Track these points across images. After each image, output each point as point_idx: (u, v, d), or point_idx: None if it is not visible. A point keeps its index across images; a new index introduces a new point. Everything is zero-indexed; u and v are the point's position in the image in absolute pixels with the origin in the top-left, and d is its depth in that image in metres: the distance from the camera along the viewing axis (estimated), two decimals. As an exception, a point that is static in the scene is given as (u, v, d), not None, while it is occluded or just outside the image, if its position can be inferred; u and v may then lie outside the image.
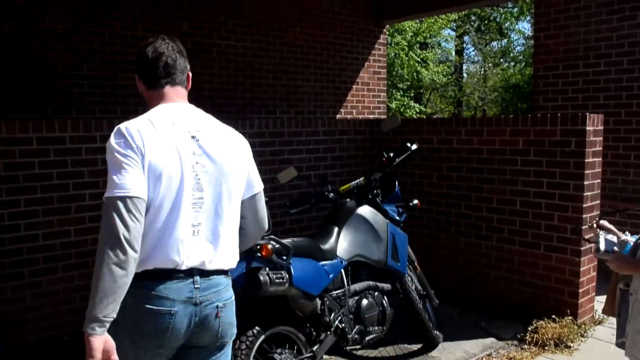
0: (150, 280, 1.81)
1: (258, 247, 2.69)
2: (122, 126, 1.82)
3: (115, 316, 1.71)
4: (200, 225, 1.86)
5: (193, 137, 1.88)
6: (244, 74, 6.49)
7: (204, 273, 1.89)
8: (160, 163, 1.78)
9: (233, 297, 2.02)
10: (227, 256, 1.95)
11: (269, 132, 4.95)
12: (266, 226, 2.17)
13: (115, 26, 5.50)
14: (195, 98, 5.90)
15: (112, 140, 1.80)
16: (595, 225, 2.51)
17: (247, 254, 2.71)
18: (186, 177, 1.82)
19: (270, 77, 6.72)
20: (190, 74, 2.08)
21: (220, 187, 1.91)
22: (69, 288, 4.07)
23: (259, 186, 2.10)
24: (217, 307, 1.91)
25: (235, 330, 2.04)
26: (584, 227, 3.06)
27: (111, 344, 1.73)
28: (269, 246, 2.68)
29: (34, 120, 3.91)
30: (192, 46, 6.01)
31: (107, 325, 1.70)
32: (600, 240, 2.36)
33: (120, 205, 1.71)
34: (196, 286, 1.86)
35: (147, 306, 1.80)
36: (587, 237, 2.63)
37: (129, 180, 1.73)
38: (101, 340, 1.69)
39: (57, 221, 3.98)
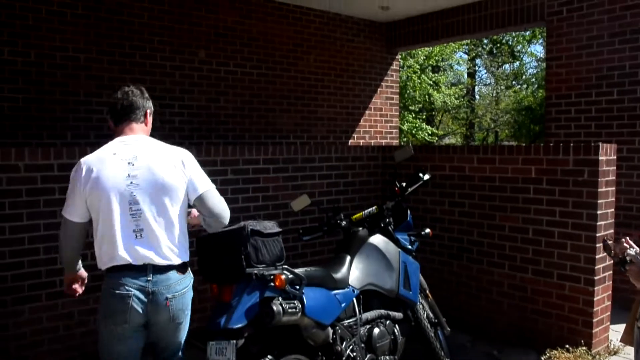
0: (116, 272, 2.45)
1: (272, 277, 2.73)
2: (80, 160, 2.51)
3: (75, 269, 2.71)
4: (143, 230, 2.44)
5: (129, 162, 2.46)
6: (258, 100, 6.61)
7: (157, 268, 2.46)
8: (97, 187, 2.42)
9: (186, 288, 2.57)
10: (173, 253, 2.50)
11: (283, 158, 5.03)
12: (225, 220, 2.62)
13: (135, 55, 5.66)
14: (210, 124, 6.03)
15: (73, 169, 2.53)
16: (624, 241, 2.56)
17: (260, 284, 2.76)
18: (121, 195, 2.43)
19: (284, 103, 6.83)
20: (149, 111, 2.68)
21: (156, 198, 2.46)
22: (84, 310, 4.13)
23: (202, 187, 2.57)
24: (166, 298, 2.48)
25: (185, 312, 2.60)
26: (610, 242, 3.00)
27: (81, 276, 2.76)
28: (283, 276, 2.71)
29: (55, 147, 4.02)
30: (208, 73, 6.16)
31: (67, 271, 2.72)
32: (635, 248, 2.43)
33: (63, 223, 2.55)
34: (149, 279, 2.44)
35: (113, 290, 2.44)
36: (615, 249, 2.66)
37: (69, 207, 2.51)
38: (70, 276, 2.74)
39: (75, 245, 4.06)
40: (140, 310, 2.44)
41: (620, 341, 2.80)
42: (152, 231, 2.45)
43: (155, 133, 5.93)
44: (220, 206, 2.60)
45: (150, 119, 2.69)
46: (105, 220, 2.43)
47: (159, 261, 2.45)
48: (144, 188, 2.44)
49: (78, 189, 2.46)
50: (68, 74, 5.32)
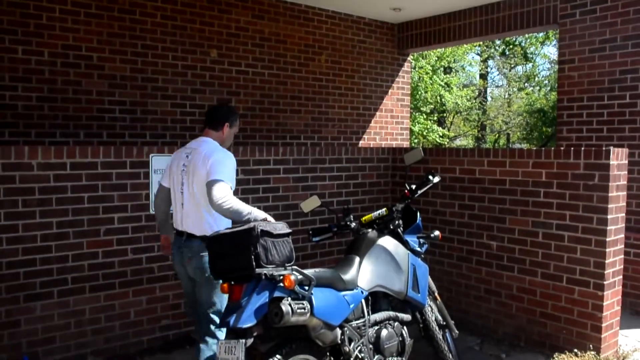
0: (175, 235, 3.50)
1: (281, 277, 2.75)
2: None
3: (165, 231, 3.68)
4: (183, 205, 3.35)
5: (187, 155, 3.37)
6: (269, 101, 6.64)
7: (188, 235, 3.33)
8: (171, 167, 3.46)
9: (203, 254, 3.16)
10: (196, 226, 3.29)
11: (293, 159, 5.05)
12: (212, 201, 3.09)
13: (148, 54, 5.70)
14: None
15: None
16: None
17: (270, 284, 2.78)
18: (179, 177, 3.37)
19: (295, 104, 6.85)
20: (227, 124, 3.45)
21: (192, 183, 3.27)
22: (95, 308, 4.18)
23: (212, 176, 3.15)
24: (188, 256, 3.32)
25: (205, 274, 3.22)
26: None
27: (168, 241, 3.68)
28: (292, 277, 2.72)
29: (68, 146, 4.07)
30: (219, 73, 6.19)
31: (160, 233, 3.75)
32: None
33: (157, 189, 3.62)
34: (183, 241, 3.35)
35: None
36: None
37: (163, 175, 3.60)
38: (162, 238, 3.74)
39: (87, 243, 4.11)
40: (178, 263, 3.41)
41: None
42: (186, 207, 3.33)
43: (167, 132, 6.01)
44: (215, 192, 3.08)
45: (228, 130, 3.45)
46: (172, 193, 3.46)
47: (189, 230, 3.32)
48: (189, 174, 3.28)
49: (168, 164, 3.51)
50: (81, 73, 5.37)
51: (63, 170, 3.97)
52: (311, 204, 3.70)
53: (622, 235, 4.34)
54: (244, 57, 6.37)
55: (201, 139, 3.42)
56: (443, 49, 17.05)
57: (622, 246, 4.35)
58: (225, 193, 3.08)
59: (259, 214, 3.11)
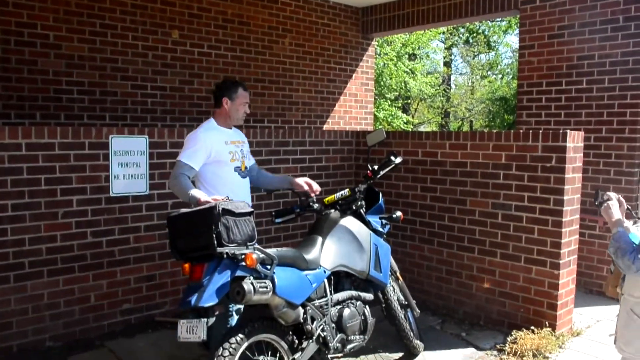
0: None
1: (242, 256, 2.74)
2: None
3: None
4: None
5: None
6: (233, 83, 6.54)
7: None
8: None
9: None
10: None
11: (257, 141, 5.01)
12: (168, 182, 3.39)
13: (107, 34, 5.53)
14: (183, 106, 6.02)
15: None
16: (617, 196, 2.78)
17: (232, 263, 2.77)
18: None
19: (258, 87, 6.78)
20: (225, 99, 3.57)
21: None
22: (54, 293, 4.09)
23: None
24: None
25: None
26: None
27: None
28: (254, 256, 2.72)
29: (23, 126, 3.94)
30: (181, 55, 6.07)
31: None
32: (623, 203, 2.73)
33: None
34: None
35: None
36: (601, 196, 2.80)
37: None
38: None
39: (44, 226, 4.01)
40: None
41: (608, 293, 2.91)
42: None
43: (127, 114, 5.85)
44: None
45: (229, 103, 3.56)
46: None
47: None
48: None
49: None
50: (37, 52, 5.18)
51: (18, 151, 3.85)
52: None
53: (578, 216, 4.48)
54: (207, 38, 6.26)
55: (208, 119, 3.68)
56: (408, 35, 17.14)
57: (578, 227, 4.50)
58: (173, 172, 3.34)
59: (198, 194, 3.13)
